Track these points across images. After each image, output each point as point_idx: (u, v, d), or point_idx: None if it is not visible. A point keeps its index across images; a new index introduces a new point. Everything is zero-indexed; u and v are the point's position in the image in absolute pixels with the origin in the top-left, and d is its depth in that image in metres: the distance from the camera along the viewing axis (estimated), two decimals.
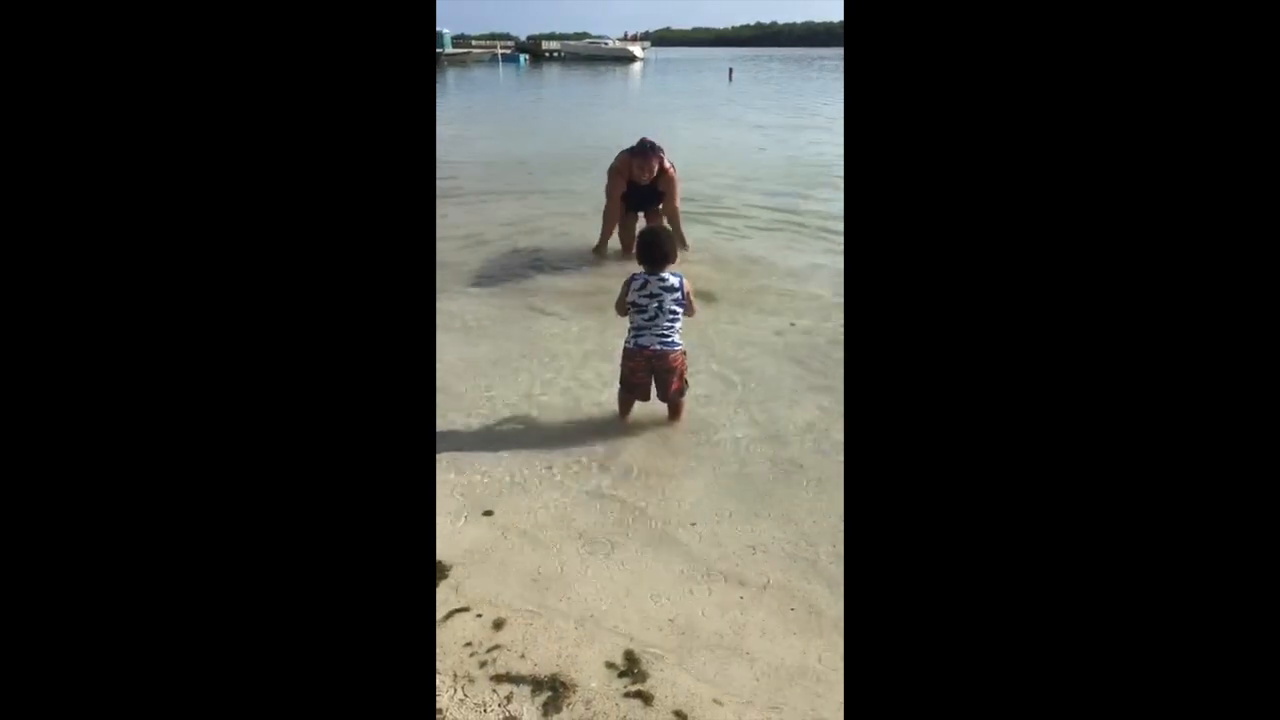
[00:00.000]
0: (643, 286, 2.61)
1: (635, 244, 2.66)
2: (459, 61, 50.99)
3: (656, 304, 2.59)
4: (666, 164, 4.60)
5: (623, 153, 4.62)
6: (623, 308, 2.67)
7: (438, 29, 57.73)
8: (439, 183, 7.48)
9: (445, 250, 5.04)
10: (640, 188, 4.63)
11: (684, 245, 4.71)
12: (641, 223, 4.68)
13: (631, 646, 1.74)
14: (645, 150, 4.51)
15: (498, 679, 1.64)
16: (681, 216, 4.82)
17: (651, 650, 1.73)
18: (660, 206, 4.74)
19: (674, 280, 2.60)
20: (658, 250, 2.61)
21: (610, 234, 4.88)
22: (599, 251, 4.90)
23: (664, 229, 2.82)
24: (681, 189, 4.80)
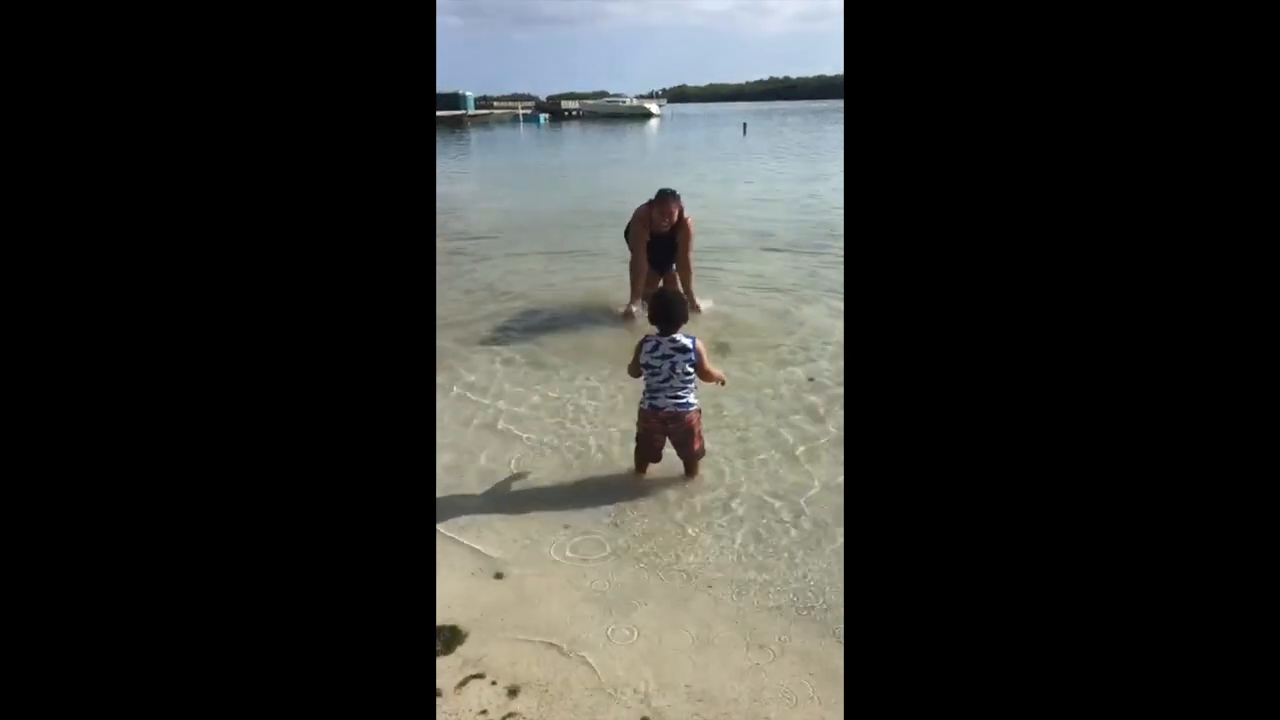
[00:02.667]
0: (655, 348, 2.64)
1: (649, 306, 2.71)
2: (481, 122, 52.73)
3: (669, 365, 2.62)
4: (686, 213, 4.68)
5: (641, 206, 4.72)
6: (636, 370, 2.71)
7: (461, 91, 59.93)
8: (458, 241, 7.69)
9: (462, 307, 5.16)
10: (660, 238, 4.69)
11: (695, 308, 4.55)
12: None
13: (648, 714, 1.71)
14: (665, 197, 4.61)
15: None
16: (694, 274, 4.83)
17: (667, 718, 1.70)
18: (676, 263, 4.80)
19: (686, 341, 2.63)
20: (670, 312, 2.65)
21: (640, 290, 4.72)
22: (630, 314, 4.67)
23: (676, 291, 2.87)
24: (696, 242, 4.83)
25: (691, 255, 4.78)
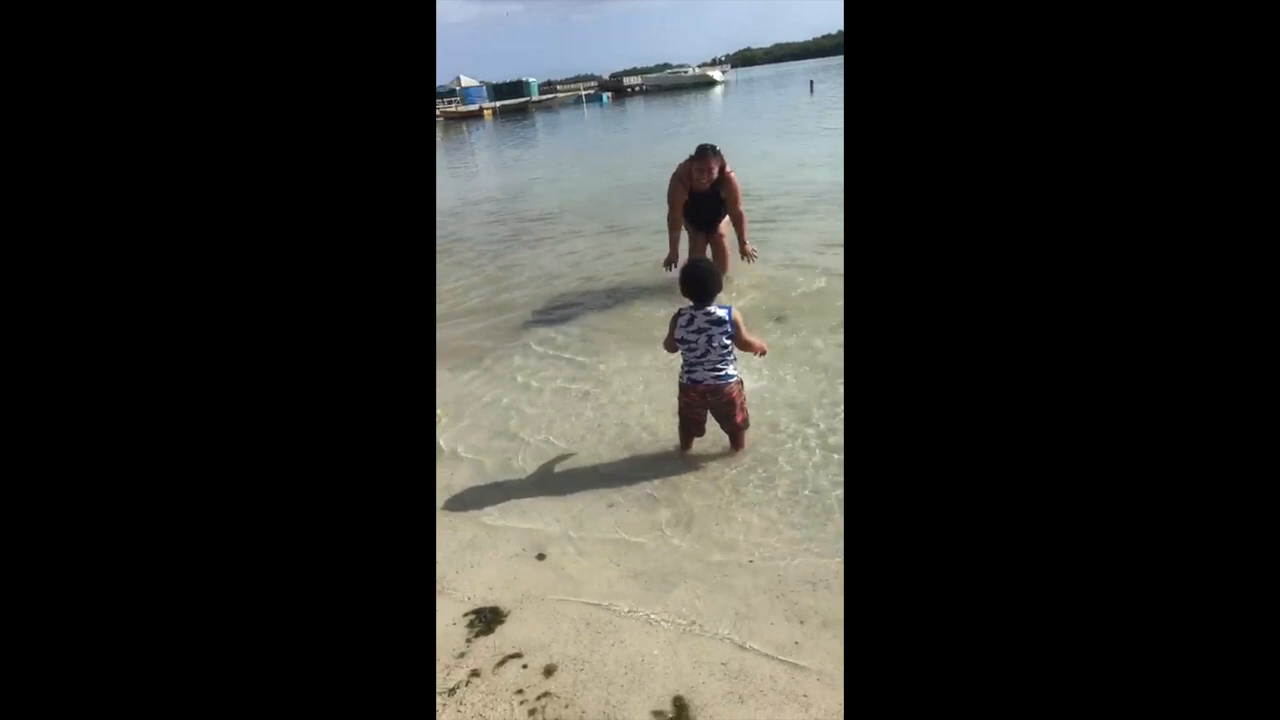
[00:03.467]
0: (689, 322, 2.58)
1: (680, 278, 2.65)
2: (545, 106, 53.15)
3: (705, 339, 2.56)
4: (727, 168, 4.57)
5: (681, 164, 4.64)
6: (671, 345, 2.66)
7: (524, 79, 60.56)
8: (523, 223, 7.81)
9: (520, 288, 5.25)
10: (701, 196, 4.60)
11: (749, 255, 4.69)
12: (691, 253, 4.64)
13: (681, 692, 1.70)
14: (704, 153, 4.50)
15: None
16: (747, 224, 4.77)
17: (702, 696, 1.68)
18: (724, 220, 4.74)
19: (721, 313, 2.56)
20: (703, 285, 2.58)
21: (678, 242, 4.79)
22: (671, 263, 4.76)
23: (708, 262, 2.79)
24: (742, 196, 4.73)
25: (741, 207, 4.68)
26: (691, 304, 2.61)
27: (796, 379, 3.28)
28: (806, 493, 2.45)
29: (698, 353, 2.58)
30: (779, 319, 4.09)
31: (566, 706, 1.68)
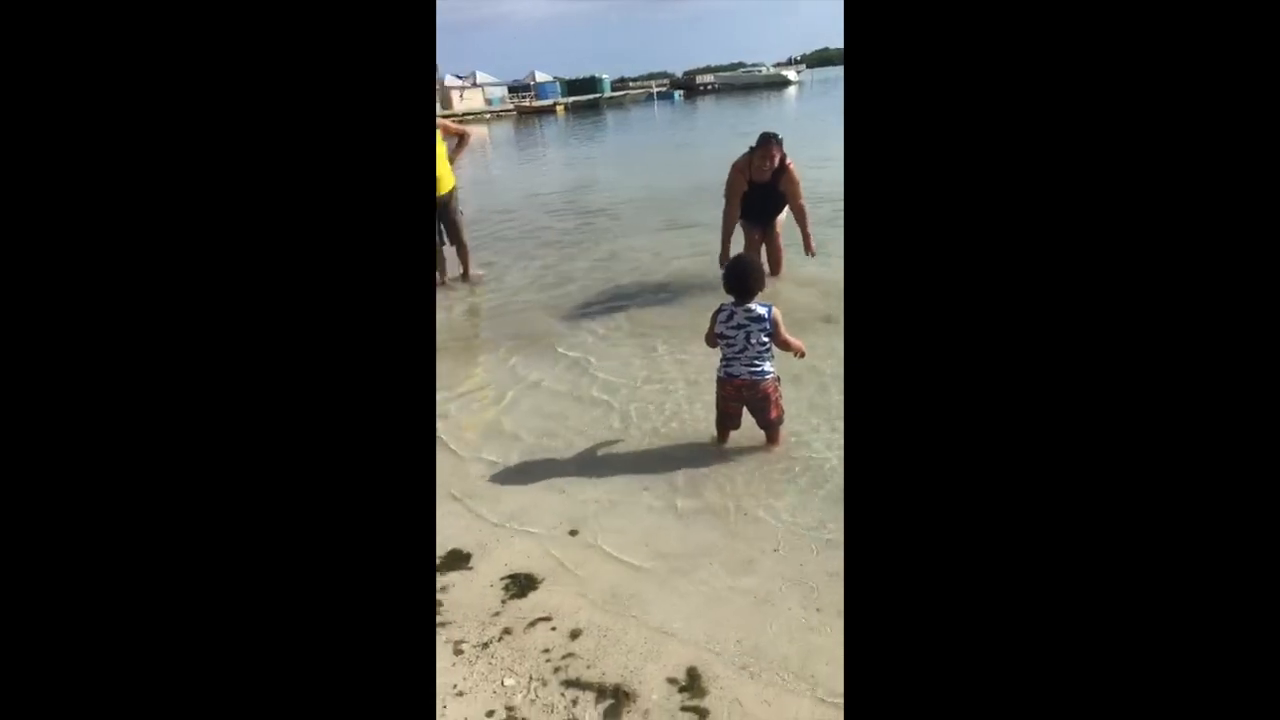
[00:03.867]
0: (729, 318, 2.67)
1: (724, 274, 2.73)
2: (617, 104, 53.55)
3: (744, 335, 2.64)
4: (787, 159, 4.54)
5: (739, 157, 4.66)
6: (712, 340, 2.75)
7: (597, 75, 61.00)
8: (586, 217, 8.00)
9: (581, 280, 5.42)
10: (761, 188, 4.57)
11: (810, 250, 4.71)
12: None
13: (696, 664, 1.80)
14: (766, 141, 4.47)
15: (567, 684, 1.77)
16: (810, 218, 4.77)
17: (715, 669, 1.78)
18: (781, 215, 4.75)
19: (761, 310, 2.64)
20: (744, 281, 2.66)
21: (729, 239, 4.79)
22: (724, 261, 4.75)
23: (752, 258, 2.86)
24: (804, 188, 4.72)
25: (804, 201, 4.68)
26: (733, 300, 2.69)
27: (838, 379, 3.32)
28: (836, 490, 2.50)
29: (736, 348, 2.67)
30: (828, 320, 4.12)
31: (588, 668, 1.80)
